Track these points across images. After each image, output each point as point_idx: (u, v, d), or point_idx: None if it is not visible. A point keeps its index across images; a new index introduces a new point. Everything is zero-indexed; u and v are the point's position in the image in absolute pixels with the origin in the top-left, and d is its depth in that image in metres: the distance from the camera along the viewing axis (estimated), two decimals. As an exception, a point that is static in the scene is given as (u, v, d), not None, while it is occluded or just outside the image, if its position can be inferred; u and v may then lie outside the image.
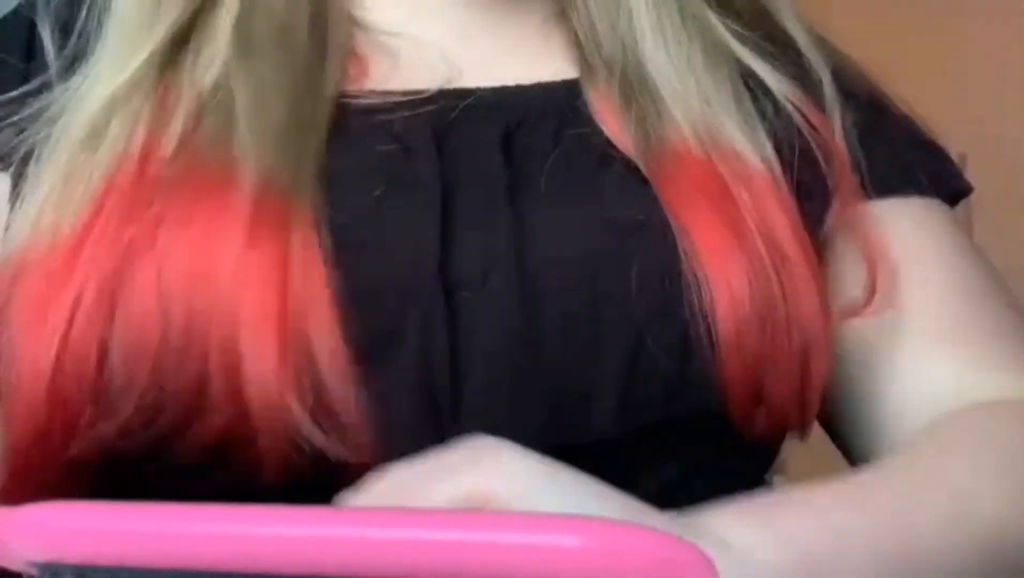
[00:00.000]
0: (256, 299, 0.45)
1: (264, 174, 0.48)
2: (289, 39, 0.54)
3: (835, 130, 0.56)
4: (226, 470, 0.46)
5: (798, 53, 0.59)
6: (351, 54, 0.56)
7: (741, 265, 0.50)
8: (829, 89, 0.58)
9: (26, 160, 0.52)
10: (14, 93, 0.53)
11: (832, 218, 0.55)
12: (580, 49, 0.59)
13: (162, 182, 0.48)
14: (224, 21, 0.53)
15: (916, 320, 0.57)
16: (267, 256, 0.46)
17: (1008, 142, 1.44)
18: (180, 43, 0.53)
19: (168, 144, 0.50)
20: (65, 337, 0.45)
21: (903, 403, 0.56)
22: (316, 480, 0.45)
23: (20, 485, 0.47)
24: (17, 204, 0.51)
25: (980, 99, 1.47)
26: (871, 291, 0.56)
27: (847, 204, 0.56)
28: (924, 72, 1.57)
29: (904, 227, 0.58)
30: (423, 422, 0.47)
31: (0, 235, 0.51)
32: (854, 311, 0.55)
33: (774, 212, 0.52)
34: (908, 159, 0.60)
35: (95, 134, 0.51)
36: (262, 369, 0.44)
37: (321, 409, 0.45)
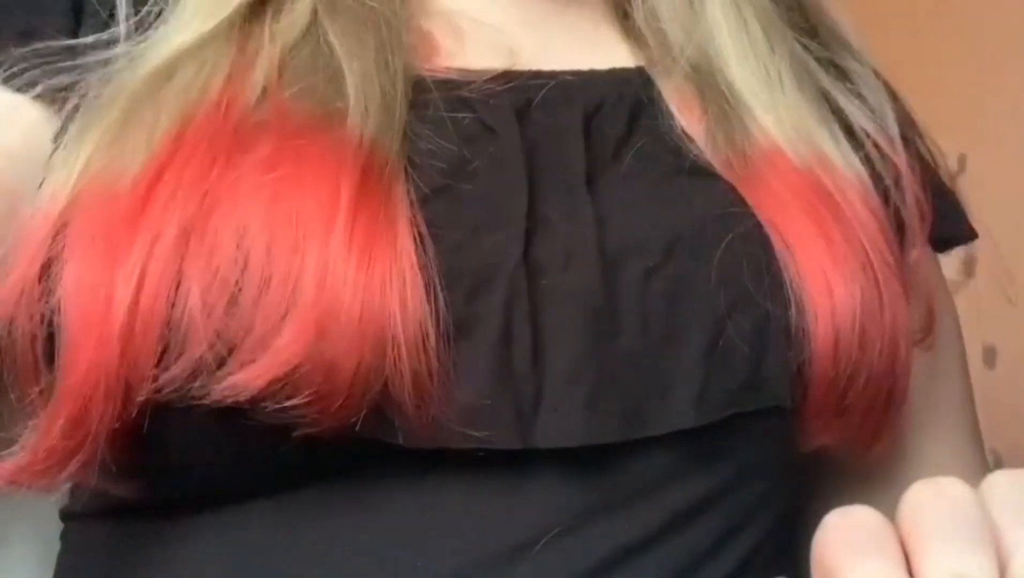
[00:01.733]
0: (336, 246, 0.44)
1: (367, 129, 0.48)
2: (370, 9, 0.54)
3: (903, 164, 0.57)
4: (272, 422, 0.45)
5: (855, 79, 0.60)
6: (420, 30, 0.55)
7: (851, 273, 0.50)
8: (893, 124, 0.58)
9: (77, 108, 0.51)
10: (72, 42, 0.52)
11: (908, 249, 0.55)
12: (647, 46, 0.59)
13: (246, 127, 0.48)
14: None
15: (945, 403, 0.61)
16: (359, 218, 0.45)
17: (1008, 142, 1.44)
18: (259, 3, 0.53)
19: (251, 93, 0.49)
20: (142, 276, 0.45)
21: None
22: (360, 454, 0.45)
23: (73, 430, 0.46)
24: (61, 149, 0.50)
25: (980, 99, 1.46)
26: (929, 326, 0.56)
27: (918, 239, 0.56)
28: (924, 72, 1.57)
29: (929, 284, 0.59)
30: (503, 409, 0.46)
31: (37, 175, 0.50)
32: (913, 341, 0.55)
33: (874, 226, 0.52)
34: (932, 208, 0.60)
35: (161, 81, 0.50)
36: (342, 323, 0.44)
37: (398, 385, 0.44)
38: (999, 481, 0.36)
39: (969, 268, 1.59)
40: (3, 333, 0.47)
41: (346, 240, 0.44)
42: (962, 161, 1.47)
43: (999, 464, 1.48)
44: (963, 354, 0.64)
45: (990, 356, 1.53)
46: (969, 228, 0.65)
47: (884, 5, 1.68)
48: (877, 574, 0.33)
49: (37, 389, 0.48)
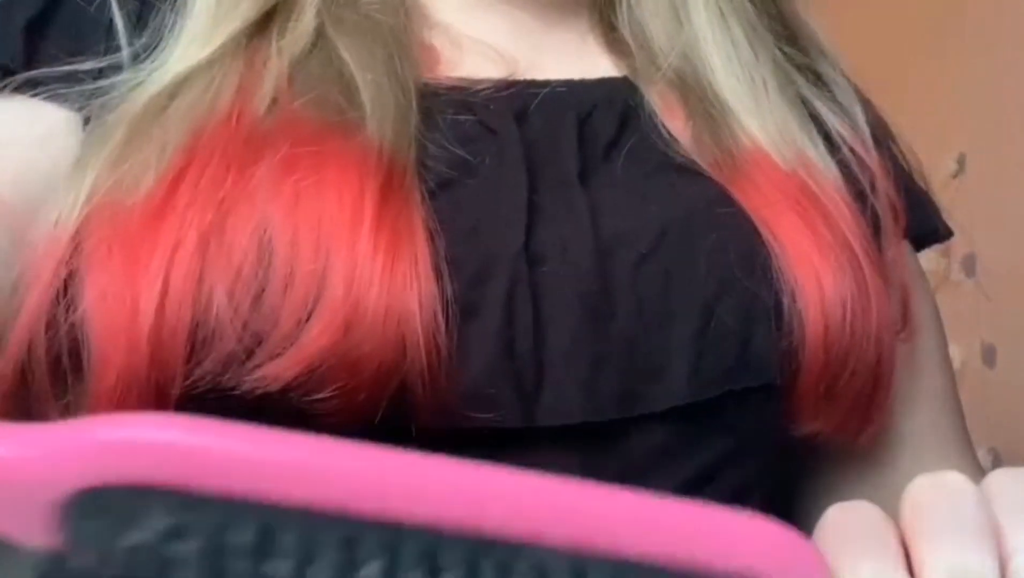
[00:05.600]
0: (363, 248, 0.46)
1: (385, 137, 0.50)
2: (376, 22, 0.56)
3: (877, 167, 0.59)
4: (289, 410, 0.46)
5: (830, 84, 0.62)
6: (423, 43, 0.58)
7: (839, 266, 0.52)
8: (865, 128, 0.60)
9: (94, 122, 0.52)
10: (88, 66, 0.53)
11: (885, 248, 0.57)
12: (631, 56, 0.62)
13: (257, 136, 0.49)
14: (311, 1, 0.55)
15: (927, 392, 0.62)
16: (384, 222, 0.47)
17: (1008, 142, 1.45)
18: (263, 21, 0.55)
19: (260, 104, 0.51)
20: (166, 282, 0.46)
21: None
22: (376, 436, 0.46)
23: None
24: (66, 175, 0.51)
25: (980, 99, 1.47)
26: (905, 319, 0.58)
27: (892, 238, 0.57)
28: (924, 72, 1.57)
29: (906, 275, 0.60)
30: (506, 390, 0.48)
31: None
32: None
33: (856, 225, 0.54)
34: (906, 208, 0.61)
35: (166, 101, 0.51)
36: (368, 322, 0.45)
37: (413, 377, 0.46)
38: (1000, 479, 0.36)
39: (969, 267, 1.60)
40: (23, 356, 0.48)
41: (372, 243, 0.46)
42: (962, 161, 1.47)
43: (998, 463, 1.48)
44: (943, 345, 0.66)
45: (990, 356, 1.53)
46: (944, 226, 0.67)
47: (885, 7, 1.69)
48: (876, 571, 0.33)
49: (59, 405, 0.48)
